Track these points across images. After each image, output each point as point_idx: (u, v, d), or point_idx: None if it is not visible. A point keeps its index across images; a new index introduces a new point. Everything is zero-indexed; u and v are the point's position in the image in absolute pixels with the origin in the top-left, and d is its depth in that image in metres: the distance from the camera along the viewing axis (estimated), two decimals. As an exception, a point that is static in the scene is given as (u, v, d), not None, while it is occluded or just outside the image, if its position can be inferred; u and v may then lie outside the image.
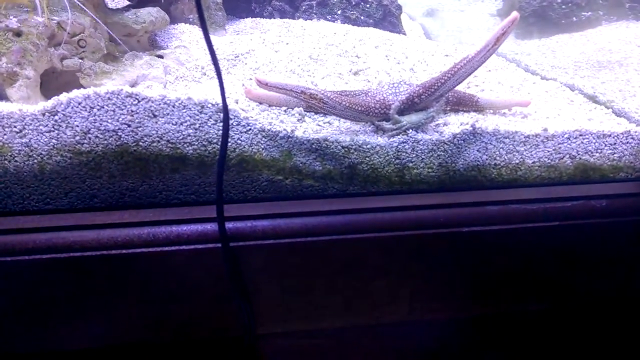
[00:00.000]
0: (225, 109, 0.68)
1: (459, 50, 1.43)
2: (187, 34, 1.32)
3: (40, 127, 0.74)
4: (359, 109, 0.84)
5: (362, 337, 0.87)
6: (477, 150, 0.84)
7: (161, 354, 0.83)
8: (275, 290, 0.77)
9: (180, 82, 1.07)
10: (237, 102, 0.90)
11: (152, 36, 1.23)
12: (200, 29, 1.32)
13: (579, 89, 1.18)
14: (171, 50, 1.17)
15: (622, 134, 0.87)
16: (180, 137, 0.77)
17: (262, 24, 1.67)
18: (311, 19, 1.77)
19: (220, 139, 0.77)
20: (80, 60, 0.96)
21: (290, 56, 1.20)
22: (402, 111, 0.86)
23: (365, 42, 1.40)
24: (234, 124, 0.79)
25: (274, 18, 1.77)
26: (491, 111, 0.99)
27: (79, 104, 0.74)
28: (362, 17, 1.80)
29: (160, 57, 1.12)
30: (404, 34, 1.86)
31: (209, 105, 0.77)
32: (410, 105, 0.87)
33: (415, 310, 0.82)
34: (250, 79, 1.05)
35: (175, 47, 1.20)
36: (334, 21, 1.77)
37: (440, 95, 0.87)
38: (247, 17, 1.76)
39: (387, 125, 0.84)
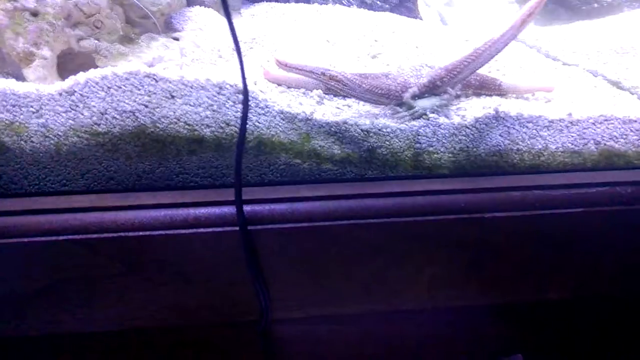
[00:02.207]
0: (245, 89, 0.67)
1: (478, 36, 1.41)
2: (203, 17, 1.30)
3: (57, 107, 0.73)
4: (380, 91, 0.82)
5: (379, 323, 0.86)
6: (500, 135, 0.82)
7: (176, 338, 0.82)
8: (293, 274, 0.76)
9: (196, 64, 1.06)
10: (255, 84, 0.89)
11: (167, 18, 1.22)
12: (216, 11, 1.31)
13: (602, 75, 1.15)
14: (187, 33, 1.16)
15: (648, 119, 0.85)
16: (198, 119, 0.76)
17: (277, 8, 1.65)
18: (326, 4, 1.74)
19: (238, 121, 0.76)
20: (97, 42, 0.95)
21: (307, 39, 1.18)
22: (423, 94, 0.84)
23: (382, 26, 1.38)
24: (253, 105, 0.77)
25: (289, 2, 1.75)
26: (514, 95, 0.97)
27: (97, 83, 0.73)
28: (378, 2, 1.77)
29: (176, 39, 1.10)
30: (421, 19, 1.83)
31: (227, 87, 0.76)
32: (432, 88, 0.85)
33: (434, 297, 0.81)
34: (268, 61, 1.04)
35: (191, 29, 1.18)
36: (349, 6, 1.74)
37: (463, 78, 0.85)
38: (262, 2, 1.74)
39: (400, 111, 0.83)
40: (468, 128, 0.80)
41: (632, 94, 1.05)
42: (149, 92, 0.74)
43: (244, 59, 0.66)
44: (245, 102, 0.67)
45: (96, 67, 0.94)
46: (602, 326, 0.90)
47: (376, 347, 0.89)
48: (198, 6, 1.37)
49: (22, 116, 0.73)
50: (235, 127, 0.76)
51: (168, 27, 1.21)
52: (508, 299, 0.83)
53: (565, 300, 0.83)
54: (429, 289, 0.80)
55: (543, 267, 0.80)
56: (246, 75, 0.66)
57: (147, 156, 0.77)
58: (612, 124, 0.85)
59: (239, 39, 0.63)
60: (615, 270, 0.81)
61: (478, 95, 0.95)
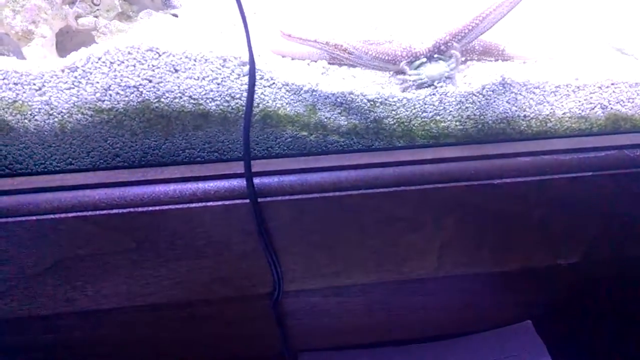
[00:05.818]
0: (251, 60, 0.66)
1: (480, 5, 1.39)
2: (201, -7, 1.28)
3: (60, 84, 0.72)
4: (386, 57, 0.81)
5: (390, 294, 0.86)
6: (507, 102, 0.81)
7: (188, 312, 0.83)
8: (303, 246, 0.76)
9: (197, 40, 1.04)
10: (259, 56, 0.88)
11: (165, -5, 1.20)
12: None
13: (605, 41, 1.14)
14: (185, 9, 1.14)
15: (655, 82, 0.84)
16: (203, 93, 0.75)
17: (276, -17, 1.62)
18: (324, -22, 1.72)
19: (243, 94, 0.75)
20: (95, 19, 0.93)
21: (307, 13, 1.17)
22: (429, 60, 0.83)
23: (381, -1, 1.36)
24: (257, 78, 0.76)
25: (287, -22, 1.72)
26: (518, 61, 0.96)
27: (99, 59, 0.72)
28: (375, -24, 1.75)
29: (175, 16, 1.09)
30: (419, -8, 1.81)
31: (232, 59, 0.75)
32: (437, 53, 0.84)
33: (444, 266, 0.81)
34: (272, 33, 1.02)
35: (189, 5, 1.17)
36: (347, -20, 1.72)
37: (467, 42, 0.84)
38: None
39: (406, 80, 0.81)
40: (475, 95, 0.80)
41: (637, 59, 1.04)
42: (152, 66, 0.73)
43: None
44: (252, 74, 0.66)
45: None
46: (612, 290, 0.90)
47: (387, 317, 0.89)
48: (195, -18, 1.35)
49: (24, 94, 0.72)
50: (241, 100, 0.75)
51: (165, 4, 1.20)
52: (518, 265, 0.84)
53: (575, 264, 0.84)
54: (439, 257, 0.80)
55: (553, 232, 0.80)
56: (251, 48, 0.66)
57: (153, 132, 0.76)
58: (619, 87, 0.84)
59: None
60: (625, 232, 0.81)
61: (483, 61, 0.94)
